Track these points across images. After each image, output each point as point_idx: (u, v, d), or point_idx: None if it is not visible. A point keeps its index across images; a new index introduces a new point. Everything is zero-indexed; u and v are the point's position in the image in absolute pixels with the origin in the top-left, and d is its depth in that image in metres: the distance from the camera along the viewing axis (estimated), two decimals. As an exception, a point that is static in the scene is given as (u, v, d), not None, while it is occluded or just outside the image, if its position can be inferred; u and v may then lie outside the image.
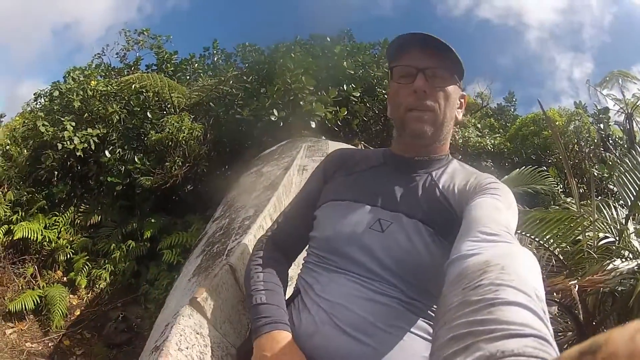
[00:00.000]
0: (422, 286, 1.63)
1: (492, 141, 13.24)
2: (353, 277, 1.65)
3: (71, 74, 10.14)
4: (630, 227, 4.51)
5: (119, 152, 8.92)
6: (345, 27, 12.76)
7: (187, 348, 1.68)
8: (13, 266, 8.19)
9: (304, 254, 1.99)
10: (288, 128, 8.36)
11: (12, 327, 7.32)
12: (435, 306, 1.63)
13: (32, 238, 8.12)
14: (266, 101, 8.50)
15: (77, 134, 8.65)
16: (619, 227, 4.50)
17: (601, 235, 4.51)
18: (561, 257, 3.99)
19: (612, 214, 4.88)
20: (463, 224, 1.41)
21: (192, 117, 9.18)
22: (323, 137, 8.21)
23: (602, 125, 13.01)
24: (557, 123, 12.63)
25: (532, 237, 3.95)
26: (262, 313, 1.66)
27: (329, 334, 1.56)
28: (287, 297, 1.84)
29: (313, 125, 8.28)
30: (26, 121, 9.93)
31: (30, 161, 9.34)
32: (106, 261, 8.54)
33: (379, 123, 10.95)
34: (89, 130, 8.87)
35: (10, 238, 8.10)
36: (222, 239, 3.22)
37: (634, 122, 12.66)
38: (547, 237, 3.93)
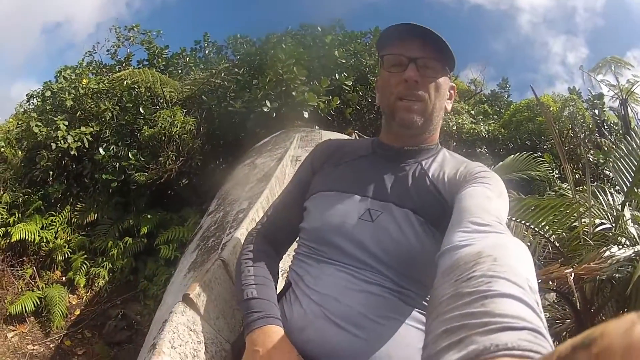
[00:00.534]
0: (413, 276, 1.62)
1: (487, 127, 13.23)
2: (343, 268, 1.65)
3: (62, 73, 10.15)
4: (627, 213, 4.49)
5: (112, 149, 8.90)
6: (336, 16, 12.74)
7: (180, 345, 1.67)
8: (12, 269, 8.16)
9: (295, 245, 1.99)
10: (281, 119, 8.36)
11: (14, 330, 7.31)
12: (428, 297, 1.62)
13: (29, 239, 8.10)
14: (258, 92, 8.50)
15: (70, 133, 8.64)
16: (615, 214, 4.50)
17: (597, 221, 4.51)
18: (557, 245, 3.97)
19: (608, 200, 4.89)
20: (454, 214, 1.40)
21: (184, 111, 9.17)
22: (316, 127, 8.23)
23: (596, 111, 13.02)
24: (551, 109, 12.62)
25: (528, 224, 3.92)
26: (254, 308, 1.66)
27: (320, 327, 1.56)
28: (279, 290, 1.84)
29: (306, 115, 8.28)
30: (19, 122, 9.94)
31: (25, 162, 9.34)
32: (104, 259, 8.54)
33: (372, 111, 10.95)
34: (82, 128, 8.86)
35: (7, 240, 8.07)
36: (217, 232, 3.22)
37: (628, 107, 12.67)
38: (543, 224, 3.89)
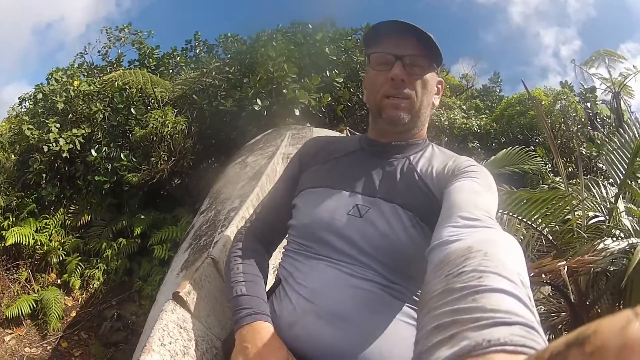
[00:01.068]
0: (403, 270, 1.62)
1: (478, 122, 13.25)
2: (332, 264, 1.65)
3: (54, 75, 10.12)
4: (621, 205, 4.49)
5: (105, 151, 8.89)
6: (327, 13, 12.70)
7: (170, 343, 1.67)
8: (7, 272, 8.16)
9: (285, 242, 1.98)
10: (272, 117, 8.37)
11: (11, 334, 7.31)
12: (419, 291, 1.63)
13: (24, 243, 8.10)
14: (249, 91, 8.50)
15: (62, 135, 8.64)
16: (608, 206, 4.50)
17: (591, 214, 4.51)
18: (550, 238, 3.95)
19: (601, 192, 4.89)
20: (443, 209, 1.40)
21: (175, 110, 9.16)
22: (308, 125, 8.21)
23: (589, 104, 13.02)
24: (543, 103, 12.62)
25: (520, 217, 3.91)
26: (243, 304, 1.66)
27: (309, 322, 1.56)
28: (268, 287, 1.84)
29: (297, 112, 8.28)
30: (12, 126, 9.93)
31: (18, 166, 9.35)
32: (98, 260, 8.53)
33: (364, 108, 10.90)
34: (74, 130, 8.85)
35: (2, 244, 8.06)
36: (209, 231, 3.23)
37: (621, 100, 12.68)
38: (536, 217, 3.89)
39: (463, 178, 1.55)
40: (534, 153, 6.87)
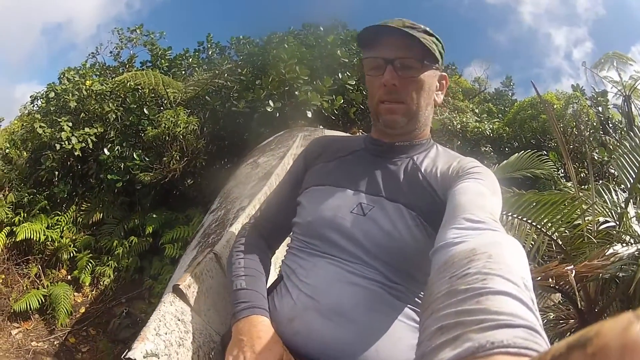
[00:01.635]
0: (405, 270, 1.64)
1: (491, 126, 13.17)
2: (334, 261, 1.66)
3: (66, 75, 10.15)
4: (631, 211, 4.46)
5: (117, 150, 8.91)
6: (338, 14, 12.67)
7: (165, 333, 1.69)
8: (17, 267, 8.20)
9: (288, 240, 1.99)
10: (284, 118, 8.35)
11: (18, 327, 7.33)
12: (421, 293, 1.64)
13: (34, 238, 8.13)
14: (261, 92, 8.48)
15: (74, 134, 8.67)
16: (619, 211, 4.48)
17: (601, 219, 4.47)
18: (560, 242, 3.93)
19: (612, 197, 4.86)
20: (447, 210, 1.41)
21: (188, 111, 9.16)
22: (320, 127, 8.19)
23: (600, 109, 12.94)
24: (554, 106, 12.55)
25: (529, 221, 3.88)
26: (241, 298, 1.68)
27: (309, 318, 1.57)
28: (271, 283, 1.86)
29: (309, 114, 8.26)
30: (24, 124, 9.99)
31: (30, 163, 9.39)
32: (109, 258, 8.54)
33: (377, 110, 10.85)
34: (87, 129, 8.87)
35: (13, 240, 8.11)
36: (217, 230, 3.24)
37: (632, 104, 12.60)
38: (545, 221, 3.86)
39: (467, 179, 1.57)
40: (546, 158, 6.84)
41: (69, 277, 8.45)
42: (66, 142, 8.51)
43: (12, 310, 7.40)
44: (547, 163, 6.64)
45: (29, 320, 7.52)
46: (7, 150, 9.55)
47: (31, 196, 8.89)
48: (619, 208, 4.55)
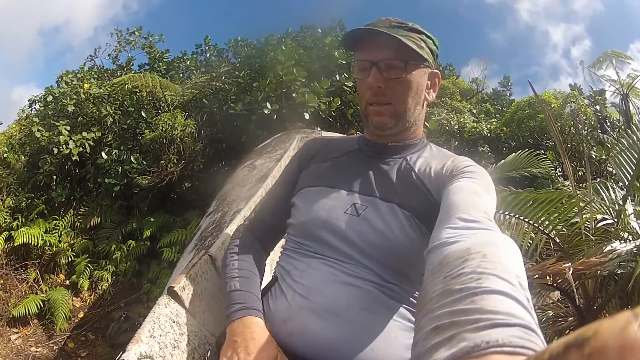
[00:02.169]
0: (399, 270, 1.63)
1: (489, 126, 13.19)
2: (328, 261, 1.66)
3: (64, 78, 10.18)
4: (629, 208, 4.47)
5: (115, 153, 8.93)
6: (337, 15, 12.70)
7: (160, 335, 1.69)
8: (15, 272, 8.20)
9: (283, 241, 1.99)
10: (282, 121, 8.35)
11: (17, 333, 7.34)
12: (416, 292, 1.63)
13: (33, 243, 8.14)
14: (259, 95, 8.50)
15: (72, 138, 8.68)
16: (617, 208, 4.48)
17: (599, 217, 4.48)
18: (558, 240, 3.93)
19: (610, 195, 4.86)
20: (441, 210, 1.40)
21: (185, 114, 9.18)
22: (317, 128, 8.20)
23: (598, 107, 12.95)
24: (552, 106, 12.57)
25: (527, 219, 3.88)
26: (235, 299, 1.68)
27: (303, 318, 1.56)
28: (265, 284, 1.84)
29: (307, 116, 8.27)
30: (22, 128, 9.99)
31: (28, 167, 9.42)
32: (107, 262, 8.56)
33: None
34: (84, 133, 8.89)
35: (11, 244, 8.12)
36: (214, 232, 3.24)
37: (630, 102, 12.62)
38: (542, 219, 3.86)
39: (462, 178, 1.56)
40: (544, 157, 6.84)
41: (67, 281, 8.47)
42: (64, 146, 8.53)
43: (11, 316, 7.39)
44: (544, 162, 6.64)
45: (28, 326, 7.52)
46: (5, 155, 9.57)
47: (29, 200, 8.91)
48: (616, 205, 4.56)
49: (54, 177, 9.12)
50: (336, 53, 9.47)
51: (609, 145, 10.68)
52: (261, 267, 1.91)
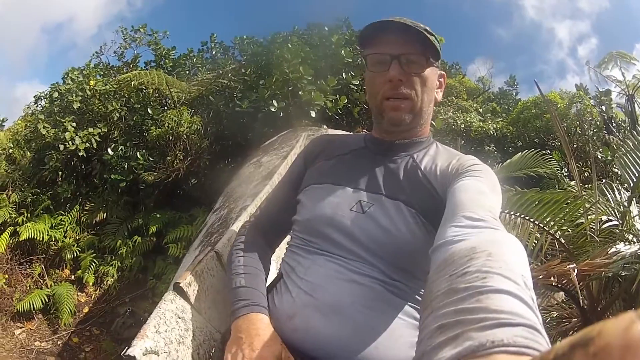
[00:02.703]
0: (404, 267, 1.64)
1: (495, 125, 13.15)
2: (333, 258, 1.67)
3: (70, 75, 10.16)
4: (634, 209, 4.47)
5: (121, 149, 8.93)
6: (343, 15, 12.66)
7: (165, 331, 1.71)
8: (20, 267, 8.21)
9: (288, 238, 2.00)
10: (288, 118, 8.34)
11: (21, 327, 7.34)
12: (421, 290, 1.64)
13: (38, 238, 8.15)
14: (265, 92, 8.48)
15: (78, 134, 8.69)
16: (622, 210, 4.47)
17: (604, 218, 4.47)
18: (563, 241, 3.93)
19: (615, 196, 4.85)
20: (447, 208, 1.41)
21: (191, 111, 9.20)
22: (324, 126, 8.19)
23: (604, 108, 12.90)
24: (558, 106, 12.53)
25: (532, 219, 3.87)
26: (240, 296, 1.69)
27: (308, 315, 1.57)
28: (270, 281, 1.85)
29: (313, 114, 8.25)
30: (28, 124, 10.01)
31: (33, 163, 9.43)
32: (113, 258, 8.56)
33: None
34: (90, 129, 8.90)
35: (16, 239, 8.14)
36: (220, 229, 3.24)
37: (635, 103, 12.56)
38: (547, 219, 3.85)
39: (467, 177, 1.57)
40: (550, 157, 6.82)
41: (73, 276, 8.47)
42: (70, 143, 8.54)
43: (15, 310, 7.40)
44: (550, 162, 6.61)
45: (32, 320, 7.53)
46: (11, 151, 9.59)
47: (34, 196, 8.92)
48: (621, 207, 4.55)
49: (60, 173, 9.13)
50: (343, 51, 9.45)
51: (614, 146, 10.63)
52: (266, 263, 1.92)
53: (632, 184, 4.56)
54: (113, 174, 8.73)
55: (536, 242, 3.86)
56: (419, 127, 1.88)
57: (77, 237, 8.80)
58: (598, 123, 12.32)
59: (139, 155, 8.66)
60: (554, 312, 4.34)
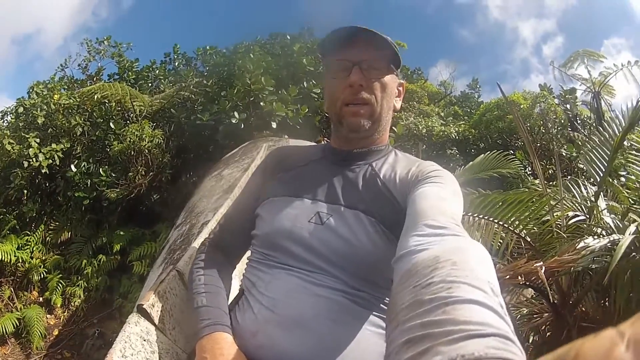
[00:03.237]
0: (367, 277, 1.61)
1: (457, 129, 13.31)
2: (294, 272, 1.64)
3: (35, 89, 10.12)
4: (602, 203, 4.50)
5: (84, 166, 8.89)
6: (307, 23, 12.74)
7: (132, 355, 1.68)
8: (-10, 290, 8.10)
9: (249, 253, 1.96)
10: (250, 130, 8.37)
11: (-4, 352, 7.26)
12: (386, 299, 1.62)
13: (5, 260, 8.06)
14: (226, 104, 8.52)
15: (42, 150, 8.62)
16: (589, 205, 4.51)
17: (571, 214, 4.50)
18: (528, 239, 3.95)
19: (581, 192, 4.89)
20: (408, 217, 1.38)
21: (153, 124, 9.20)
22: (285, 136, 8.22)
23: (568, 106, 13.09)
24: (521, 106, 12.70)
25: (496, 220, 3.89)
26: (203, 315, 1.66)
27: (271, 331, 1.54)
28: (233, 297, 1.82)
29: (274, 125, 8.31)
30: (-6, 141, 9.90)
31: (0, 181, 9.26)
32: (79, 278, 8.51)
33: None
34: (54, 145, 8.83)
35: (-16, 262, 8.01)
36: (183, 245, 3.21)
37: (601, 100, 12.77)
38: (512, 219, 3.87)
39: (427, 184, 1.56)
40: (513, 157, 6.88)
41: (41, 298, 8.40)
42: (34, 159, 8.47)
43: (-12, 335, 7.29)
44: (513, 162, 6.67)
45: (6, 345, 7.46)
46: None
47: (1, 216, 8.85)
48: (588, 202, 4.58)
49: (25, 191, 9.04)
50: (304, 60, 9.53)
51: (579, 142, 10.79)
52: (227, 280, 1.89)
53: (598, 179, 4.61)
54: (77, 191, 8.68)
55: (501, 241, 3.88)
56: (377, 134, 1.86)
57: (43, 258, 8.72)
58: (562, 121, 12.49)
59: (101, 172, 8.62)
60: (524, 309, 4.37)
